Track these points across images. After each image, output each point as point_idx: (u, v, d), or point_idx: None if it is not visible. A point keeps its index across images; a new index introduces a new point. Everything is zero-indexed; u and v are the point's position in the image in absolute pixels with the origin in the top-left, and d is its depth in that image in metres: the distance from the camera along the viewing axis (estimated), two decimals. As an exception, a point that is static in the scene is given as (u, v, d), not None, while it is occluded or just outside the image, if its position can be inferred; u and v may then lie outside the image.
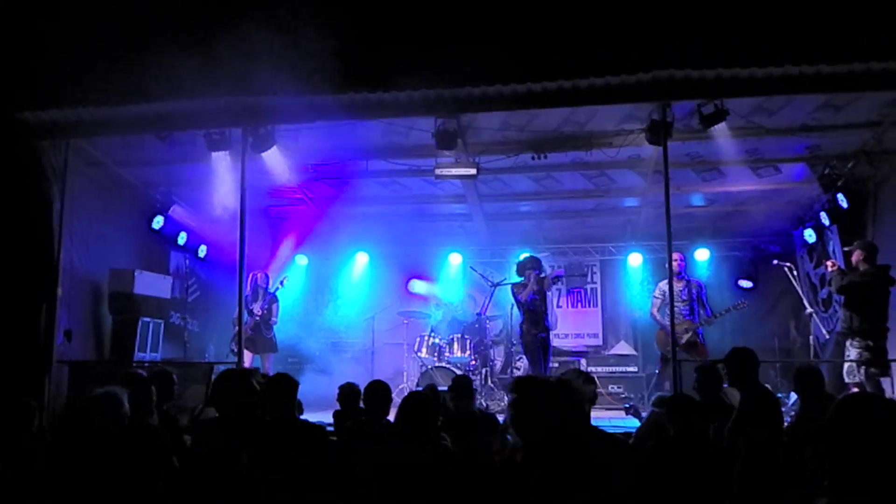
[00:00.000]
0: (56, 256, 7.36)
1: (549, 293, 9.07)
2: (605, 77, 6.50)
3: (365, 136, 8.09)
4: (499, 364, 11.78)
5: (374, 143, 8.25)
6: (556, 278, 9.47)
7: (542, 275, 8.80)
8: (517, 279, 9.00)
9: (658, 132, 7.10)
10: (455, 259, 12.43)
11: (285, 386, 4.42)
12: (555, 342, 10.71)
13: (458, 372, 9.71)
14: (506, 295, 12.38)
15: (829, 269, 7.68)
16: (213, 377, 7.69)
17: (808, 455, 3.92)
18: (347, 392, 5.86)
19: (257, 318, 9.25)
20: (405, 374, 10.75)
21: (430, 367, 9.79)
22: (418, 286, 12.42)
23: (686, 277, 9.27)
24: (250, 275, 9.50)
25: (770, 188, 9.68)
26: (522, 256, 9.29)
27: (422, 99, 6.85)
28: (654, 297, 9.26)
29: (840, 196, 8.75)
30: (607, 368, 10.85)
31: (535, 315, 8.63)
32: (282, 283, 9.63)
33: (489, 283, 10.45)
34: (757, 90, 6.62)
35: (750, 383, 5.02)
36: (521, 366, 11.18)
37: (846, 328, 7.35)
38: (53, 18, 6.66)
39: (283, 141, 7.80)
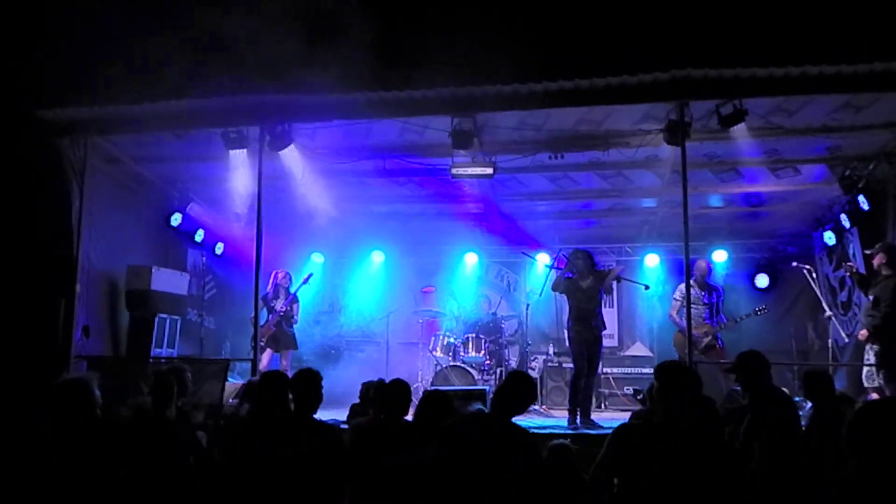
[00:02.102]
0: (75, 253, 7.43)
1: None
2: (621, 76, 6.47)
3: (381, 135, 8.10)
4: (514, 364, 11.75)
5: (391, 141, 8.26)
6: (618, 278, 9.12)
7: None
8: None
9: (676, 132, 7.06)
10: (471, 259, 12.43)
11: (311, 382, 4.45)
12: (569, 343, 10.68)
13: (473, 372, 9.71)
14: (521, 295, 12.43)
15: (851, 272, 7.62)
16: (246, 379, 7.77)
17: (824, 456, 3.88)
18: (370, 389, 5.92)
19: (280, 315, 9.28)
20: (419, 373, 10.74)
21: (444, 366, 9.77)
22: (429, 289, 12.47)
23: (709, 282, 9.24)
24: (273, 273, 9.56)
25: (789, 189, 9.59)
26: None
27: (437, 98, 6.85)
28: (675, 299, 9.21)
29: (861, 198, 8.65)
30: (623, 369, 10.79)
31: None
32: (306, 280, 9.64)
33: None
34: (776, 90, 6.57)
35: (760, 386, 4.97)
36: (536, 366, 11.17)
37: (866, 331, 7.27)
38: (72, 18, 6.72)
39: (300, 140, 7.84)
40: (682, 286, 8.60)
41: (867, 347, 7.24)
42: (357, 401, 6.56)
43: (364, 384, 6.28)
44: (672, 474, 3.31)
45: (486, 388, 9.05)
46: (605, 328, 8.41)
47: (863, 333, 7.54)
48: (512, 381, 4.35)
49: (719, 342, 9.00)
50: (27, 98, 6.93)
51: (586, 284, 8.13)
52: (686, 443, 3.41)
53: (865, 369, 7.24)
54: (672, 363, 3.73)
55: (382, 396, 5.01)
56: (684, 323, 7.89)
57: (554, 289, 8.39)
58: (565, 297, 8.30)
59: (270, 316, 9.32)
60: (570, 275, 8.15)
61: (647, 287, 9.43)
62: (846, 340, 9.21)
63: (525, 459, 3.92)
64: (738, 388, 6.46)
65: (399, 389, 4.86)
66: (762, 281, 11.44)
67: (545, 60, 6.45)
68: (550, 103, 6.89)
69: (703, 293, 9.05)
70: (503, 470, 3.82)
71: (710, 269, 9.31)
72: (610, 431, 3.74)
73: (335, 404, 8.21)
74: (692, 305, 8.25)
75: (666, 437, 3.43)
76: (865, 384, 7.23)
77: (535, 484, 3.88)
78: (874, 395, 7.11)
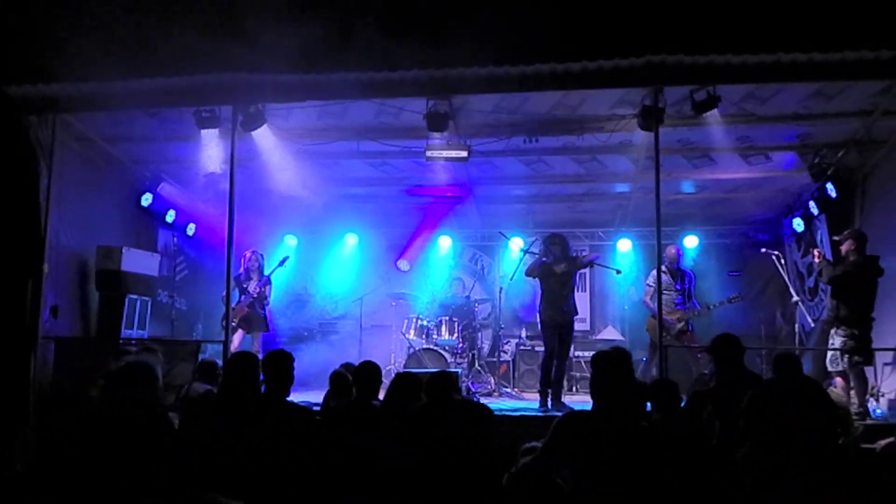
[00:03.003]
0: (43, 232, 7.30)
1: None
2: (597, 61, 6.48)
3: (356, 117, 8.04)
4: (486, 348, 11.82)
5: (366, 123, 8.21)
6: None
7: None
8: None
9: (650, 118, 7.10)
10: (445, 242, 12.44)
11: (282, 363, 4.44)
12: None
13: (446, 355, 9.74)
14: (495, 279, 12.48)
15: (816, 258, 7.73)
16: (202, 357, 7.72)
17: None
18: (340, 375, 5.87)
19: (253, 297, 9.23)
20: (392, 355, 10.76)
21: (417, 349, 9.80)
22: (404, 265, 12.45)
23: (679, 268, 9.35)
24: (243, 254, 9.48)
25: (760, 176, 9.70)
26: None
27: (413, 80, 6.81)
28: (647, 284, 9.31)
29: (829, 185, 8.78)
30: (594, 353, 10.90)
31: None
32: (282, 262, 9.59)
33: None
34: (749, 77, 6.62)
35: (735, 369, 5.07)
36: (508, 349, 11.24)
37: (832, 317, 7.39)
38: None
39: (274, 120, 7.76)
40: (655, 272, 8.70)
41: (832, 332, 7.37)
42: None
43: (332, 374, 6.17)
44: (614, 459, 3.37)
45: (459, 370, 9.10)
46: (577, 313, 8.48)
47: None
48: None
49: (690, 327, 9.14)
50: (-7, 73, 6.79)
51: (560, 269, 8.17)
52: (622, 426, 3.47)
53: (829, 353, 7.37)
54: (603, 353, 3.82)
55: (353, 379, 5.01)
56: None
57: (528, 274, 8.43)
58: (538, 282, 8.34)
59: (243, 297, 9.27)
60: (546, 259, 8.18)
61: (618, 272, 9.51)
62: (812, 325, 9.38)
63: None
64: (707, 372, 6.57)
65: (369, 371, 4.87)
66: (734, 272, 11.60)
67: (522, 44, 6.43)
68: (527, 87, 6.88)
69: (675, 280, 9.18)
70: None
71: (679, 255, 9.43)
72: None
73: (307, 387, 8.23)
74: (665, 291, 8.35)
75: (604, 423, 3.49)
76: (829, 368, 7.37)
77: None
78: (838, 379, 7.26)
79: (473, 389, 9.55)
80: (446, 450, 4.09)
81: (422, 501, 3.98)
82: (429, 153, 8.11)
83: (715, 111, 7.02)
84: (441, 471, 4.00)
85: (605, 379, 3.62)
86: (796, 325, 9.35)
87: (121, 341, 8.20)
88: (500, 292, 10.80)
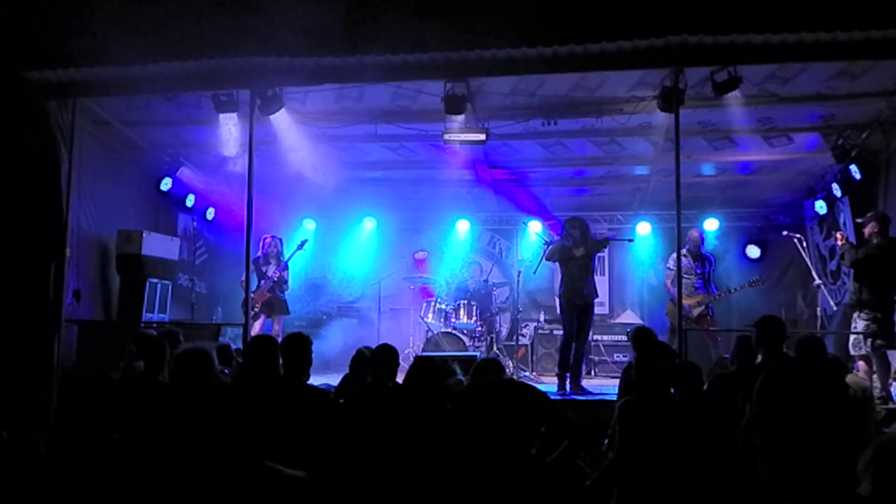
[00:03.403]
0: (65, 217, 7.36)
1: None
2: (616, 41, 6.38)
3: (373, 100, 8.02)
4: (505, 331, 11.83)
5: (383, 106, 8.19)
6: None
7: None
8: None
9: (670, 99, 7.01)
10: (463, 226, 12.43)
11: (301, 346, 4.48)
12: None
13: (465, 338, 9.75)
14: (513, 263, 12.46)
15: (839, 241, 7.62)
16: (237, 344, 7.78)
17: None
18: (360, 357, 5.92)
19: (273, 281, 9.30)
20: (411, 339, 10.80)
21: (436, 332, 9.82)
22: (422, 255, 12.48)
23: (702, 252, 9.28)
24: (263, 238, 9.55)
25: (782, 158, 9.58)
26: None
27: (431, 62, 6.75)
28: (668, 268, 9.24)
29: (853, 167, 8.65)
30: (613, 337, 10.88)
31: None
32: (300, 246, 9.66)
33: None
34: (771, 57, 6.49)
35: (771, 351, 5.02)
36: (527, 332, 11.23)
37: (855, 300, 7.31)
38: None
39: (292, 104, 7.77)
40: (675, 255, 8.63)
41: (854, 316, 7.29)
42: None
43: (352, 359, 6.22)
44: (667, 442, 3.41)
45: (477, 353, 9.11)
46: (597, 296, 8.45)
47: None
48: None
49: (710, 311, 9.09)
50: (14, 59, 6.80)
51: (580, 253, 8.15)
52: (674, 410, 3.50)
53: (852, 337, 7.30)
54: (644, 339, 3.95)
55: (371, 361, 5.03)
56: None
57: (548, 258, 8.42)
58: (558, 265, 8.31)
59: (263, 282, 9.33)
60: (566, 242, 8.16)
61: (631, 240, 9.53)
62: (834, 309, 9.28)
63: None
64: (728, 356, 6.52)
65: (387, 354, 4.88)
66: (753, 251, 11.49)
67: (540, 25, 6.35)
68: (545, 69, 6.81)
69: (696, 263, 9.10)
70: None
71: (702, 238, 9.35)
72: (598, 398, 3.81)
73: (326, 370, 8.28)
74: (685, 275, 8.30)
75: (657, 407, 3.52)
76: (852, 352, 7.30)
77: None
78: (860, 364, 7.18)
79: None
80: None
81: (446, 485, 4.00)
82: (446, 136, 8.07)
83: (736, 92, 6.91)
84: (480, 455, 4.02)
85: (653, 363, 3.67)
86: (818, 309, 9.26)
87: (142, 324, 8.28)
88: (518, 276, 10.78)
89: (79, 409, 5.73)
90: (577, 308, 8.06)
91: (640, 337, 5.83)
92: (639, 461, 3.57)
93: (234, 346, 7.17)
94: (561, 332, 8.46)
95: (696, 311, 8.91)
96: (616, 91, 7.69)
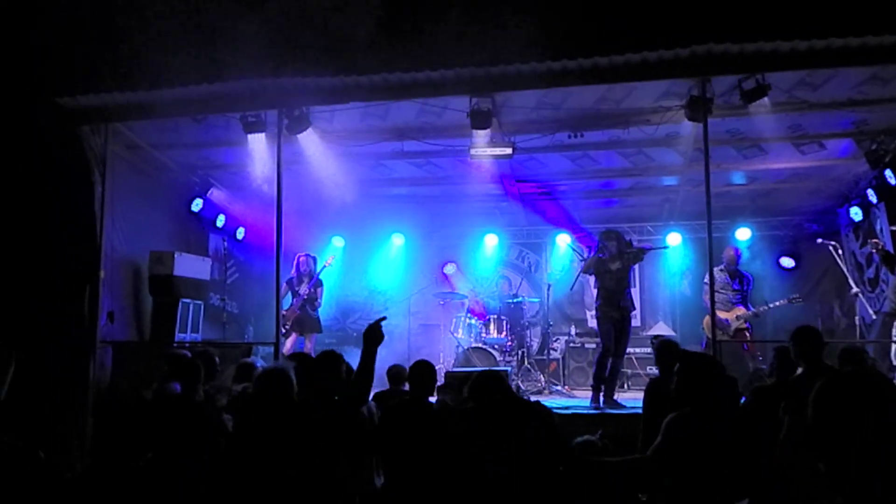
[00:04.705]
0: (98, 239, 7.49)
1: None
2: (641, 52, 6.36)
3: (399, 117, 8.06)
4: (535, 345, 11.75)
5: (409, 123, 8.22)
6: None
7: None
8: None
9: (697, 109, 6.95)
10: (491, 240, 12.41)
11: (332, 364, 4.50)
12: (591, 322, 10.66)
13: (495, 353, 9.70)
14: (542, 276, 12.40)
15: (877, 248, 7.48)
16: (270, 362, 7.82)
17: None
18: (395, 373, 6.04)
19: (304, 298, 9.37)
20: (441, 354, 10.78)
21: (466, 347, 9.79)
22: (451, 269, 12.46)
23: (739, 270, 9.18)
24: (296, 256, 9.63)
25: (814, 165, 9.44)
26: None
27: (456, 78, 6.79)
28: (705, 283, 9.14)
29: (888, 172, 8.48)
30: (645, 349, 10.73)
31: None
32: (328, 263, 9.75)
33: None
34: (800, 63, 6.42)
35: (811, 362, 4.92)
36: (558, 346, 11.14)
37: (894, 308, 7.15)
38: (90, 3, 6.73)
39: (318, 123, 7.84)
40: (714, 270, 8.52)
41: (894, 324, 7.13)
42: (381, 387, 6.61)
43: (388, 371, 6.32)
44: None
45: (508, 368, 9.06)
46: (634, 308, 8.39)
47: None
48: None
49: (748, 327, 8.96)
50: (47, 86, 6.97)
51: (615, 266, 8.09)
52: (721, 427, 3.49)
53: (894, 346, 7.13)
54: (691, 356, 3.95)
55: (409, 377, 5.07)
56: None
57: (584, 271, 8.39)
58: (594, 278, 8.27)
59: (294, 300, 9.40)
60: (602, 255, 8.11)
61: (665, 247, 9.43)
62: (873, 317, 9.08)
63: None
64: (765, 367, 6.41)
65: (425, 370, 4.92)
66: (787, 262, 11.30)
67: (564, 39, 6.35)
68: (570, 82, 6.81)
69: (733, 280, 8.99)
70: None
71: (738, 256, 9.24)
72: (633, 412, 3.77)
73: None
74: (723, 291, 8.20)
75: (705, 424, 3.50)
76: (894, 362, 7.13)
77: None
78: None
79: (523, 388, 9.50)
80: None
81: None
82: (473, 151, 8.08)
83: (765, 100, 6.84)
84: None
85: (701, 382, 3.64)
86: (856, 318, 9.07)
87: (174, 344, 8.36)
88: (548, 289, 10.72)
89: (113, 430, 5.81)
90: (613, 321, 8.00)
91: (674, 350, 5.75)
92: (681, 474, 3.53)
93: (258, 364, 7.20)
94: (592, 346, 8.41)
95: (734, 325, 8.77)
96: (643, 102, 7.64)
